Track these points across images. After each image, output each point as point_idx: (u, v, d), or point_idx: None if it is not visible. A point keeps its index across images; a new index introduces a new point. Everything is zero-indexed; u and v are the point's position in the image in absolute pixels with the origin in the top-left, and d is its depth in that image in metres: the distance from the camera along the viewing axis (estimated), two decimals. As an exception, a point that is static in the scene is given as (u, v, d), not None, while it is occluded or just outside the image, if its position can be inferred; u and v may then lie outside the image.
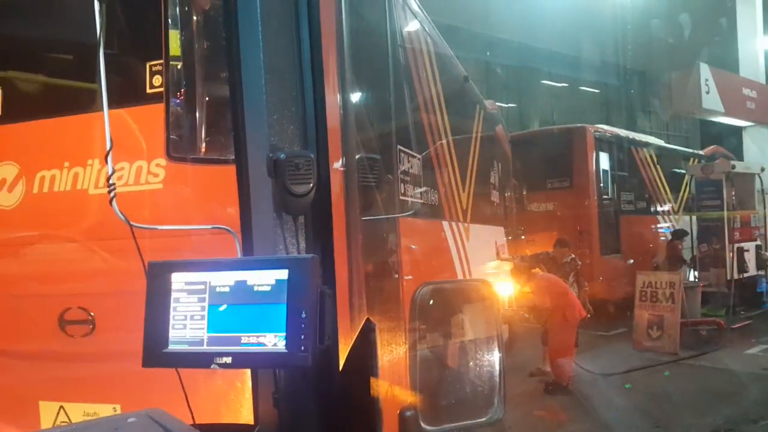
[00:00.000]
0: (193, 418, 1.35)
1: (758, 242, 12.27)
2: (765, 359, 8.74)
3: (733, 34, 14.46)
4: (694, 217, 12.30)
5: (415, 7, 4.08)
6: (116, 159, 1.95)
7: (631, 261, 12.25)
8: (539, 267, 8.08)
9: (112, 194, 1.23)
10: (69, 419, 2.03)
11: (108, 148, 1.21)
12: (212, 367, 1.00)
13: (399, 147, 3.16)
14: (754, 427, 6.02)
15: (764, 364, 8.35)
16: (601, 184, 12.00)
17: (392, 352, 1.78)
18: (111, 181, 1.24)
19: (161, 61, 1.93)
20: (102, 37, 1.25)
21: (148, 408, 1.15)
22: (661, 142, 16.20)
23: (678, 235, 12.06)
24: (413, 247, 3.32)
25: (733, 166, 11.84)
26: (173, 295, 1.04)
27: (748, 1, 14.15)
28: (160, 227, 1.49)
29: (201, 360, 1.01)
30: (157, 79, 1.98)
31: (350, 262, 1.31)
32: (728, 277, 11.04)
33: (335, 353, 1.11)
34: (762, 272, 11.94)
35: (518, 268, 7.80)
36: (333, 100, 1.26)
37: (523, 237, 10.86)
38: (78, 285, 2.07)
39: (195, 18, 1.90)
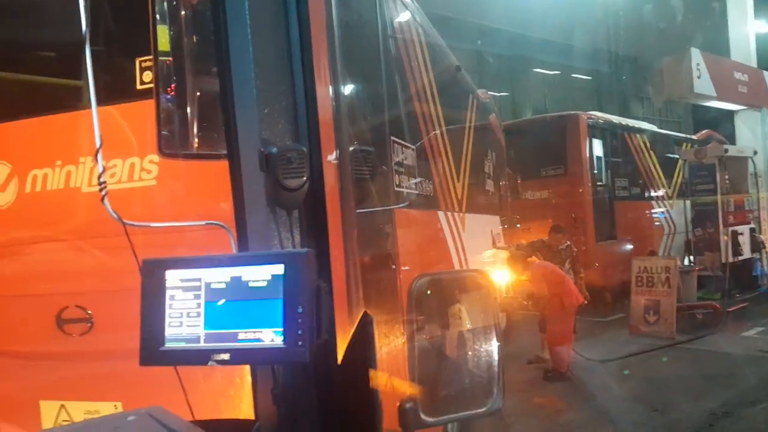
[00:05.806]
0: (192, 414, 1.36)
1: (752, 225, 12.30)
2: (761, 341, 8.80)
3: (723, 18, 14.45)
4: (687, 202, 12.33)
5: (405, -3, 4.06)
6: (109, 156, 1.95)
7: (627, 246, 12.30)
8: (535, 255, 8.09)
9: (103, 192, 1.23)
10: (70, 418, 2.03)
11: (98, 146, 1.20)
12: (210, 364, 1.00)
13: (392, 138, 3.15)
14: (752, 409, 6.07)
15: (760, 346, 8.41)
16: (595, 171, 12.02)
17: (390, 345, 1.78)
18: (102, 179, 1.23)
19: (151, 57, 1.92)
20: (88, 34, 1.23)
21: (148, 406, 1.15)
22: (653, 128, 16.21)
23: None
24: (409, 238, 3.32)
25: (726, 150, 11.85)
26: (168, 292, 1.03)
27: (739, -16, 14.17)
28: (153, 224, 1.48)
29: (198, 357, 1.01)
30: (147, 75, 1.97)
31: (346, 255, 1.30)
32: (723, 261, 11.09)
33: (333, 347, 1.11)
34: (757, 255, 11.99)
35: (515, 257, 7.83)
36: (324, 92, 1.25)
37: (518, 225, 10.89)
38: (75, 283, 2.06)
39: (183, 12, 1.89)
